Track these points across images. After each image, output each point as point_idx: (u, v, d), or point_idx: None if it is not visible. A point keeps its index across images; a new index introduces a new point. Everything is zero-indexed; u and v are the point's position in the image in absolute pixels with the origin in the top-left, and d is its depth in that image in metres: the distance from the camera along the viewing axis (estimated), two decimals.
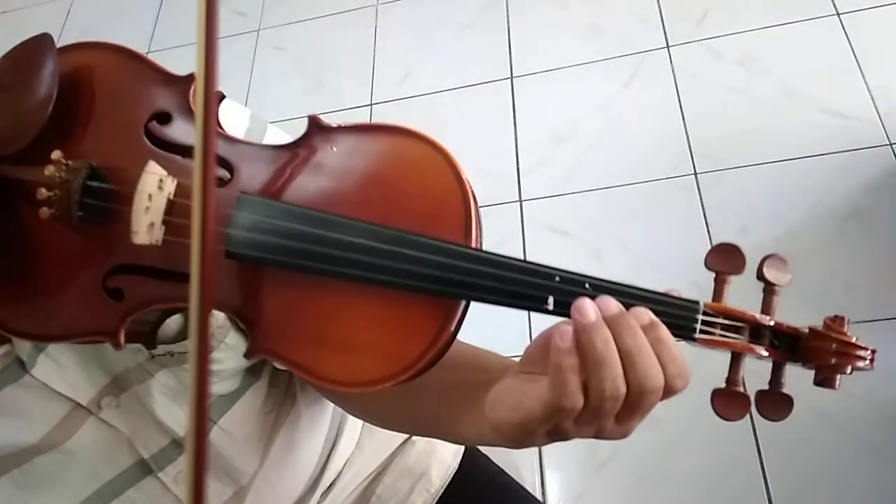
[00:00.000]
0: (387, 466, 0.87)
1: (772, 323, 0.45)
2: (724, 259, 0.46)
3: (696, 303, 0.45)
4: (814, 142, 1.76)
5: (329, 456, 0.82)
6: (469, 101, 2.10)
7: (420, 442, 0.89)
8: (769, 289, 0.46)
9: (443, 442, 0.90)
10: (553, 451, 1.55)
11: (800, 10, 1.96)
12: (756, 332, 0.46)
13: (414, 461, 0.87)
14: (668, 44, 2.03)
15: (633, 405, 0.43)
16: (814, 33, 1.92)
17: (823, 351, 0.44)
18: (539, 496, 1.49)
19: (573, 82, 2.05)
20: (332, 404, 0.83)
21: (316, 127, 0.51)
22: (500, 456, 0.96)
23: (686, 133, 1.86)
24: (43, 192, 0.48)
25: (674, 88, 1.94)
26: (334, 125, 0.51)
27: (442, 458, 0.88)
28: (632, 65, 2.02)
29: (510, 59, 2.15)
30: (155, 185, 0.49)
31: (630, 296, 0.44)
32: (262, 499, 0.74)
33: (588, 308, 0.42)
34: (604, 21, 2.13)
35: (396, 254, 0.45)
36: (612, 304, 0.42)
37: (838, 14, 1.92)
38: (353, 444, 0.86)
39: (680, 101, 1.91)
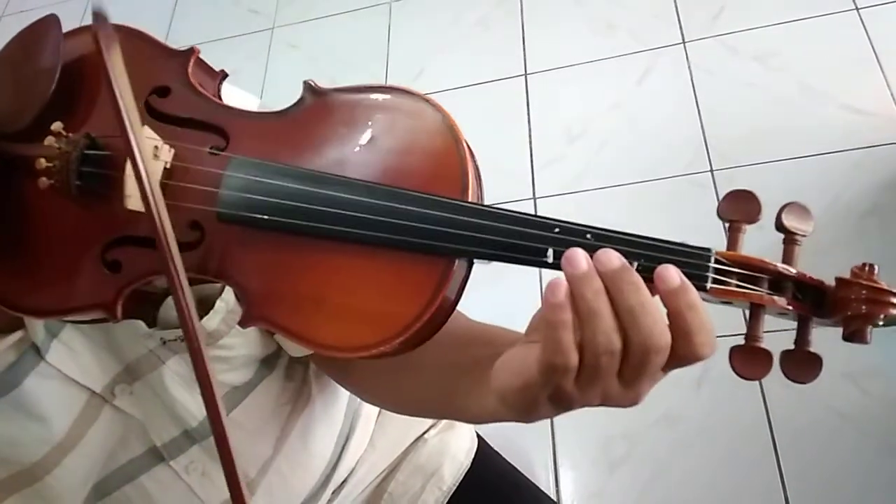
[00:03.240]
0: (399, 464, 0.87)
1: (794, 273, 0.42)
2: (738, 206, 0.44)
3: (708, 249, 0.42)
4: (831, 138, 1.74)
5: (342, 452, 0.82)
6: (483, 98, 2.10)
7: (432, 440, 0.89)
8: (790, 238, 0.43)
9: (455, 440, 0.90)
10: (567, 449, 1.55)
11: (818, 4, 1.94)
12: (777, 284, 0.43)
13: (426, 459, 0.87)
14: (683, 39, 2.01)
15: (639, 366, 0.40)
16: (832, 28, 1.90)
17: (853, 300, 0.41)
18: (553, 495, 1.49)
19: (588, 79, 2.04)
20: (345, 399, 0.83)
21: (310, 90, 0.51)
22: (513, 454, 0.95)
23: (702, 129, 1.84)
24: (42, 163, 0.49)
25: (690, 85, 1.93)
26: (329, 88, 0.51)
27: (454, 456, 0.88)
28: (647, 61, 2.01)
29: (524, 56, 2.14)
30: (149, 151, 0.49)
31: (634, 244, 0.42)
32: (274, 492, 0.75)
33: (579, 258, 0.40)
34: (618, 17, 2.12)
35: (389, 209, 0.45)
36: (612, 258, 0.40)
37: (857, 9, 1.90)
38: (366, 441, 0.86)
39: (696, 98, 1.90)
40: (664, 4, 2.09)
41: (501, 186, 1.83)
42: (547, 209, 1.85)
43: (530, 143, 1.97)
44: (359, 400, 0.84)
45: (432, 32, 2.29)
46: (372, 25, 2.36)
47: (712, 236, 1.65)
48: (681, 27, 2.04)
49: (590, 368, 0.41)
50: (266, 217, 0.47)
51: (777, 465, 1.42)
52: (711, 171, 1.78)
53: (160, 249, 0.42)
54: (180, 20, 2.60)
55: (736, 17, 1.99)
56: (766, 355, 0.42)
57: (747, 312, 0.43)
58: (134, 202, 0.49)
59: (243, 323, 0.48)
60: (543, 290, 0.41)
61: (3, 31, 2.85)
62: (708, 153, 1.81)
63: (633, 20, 2.10)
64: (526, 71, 2.11)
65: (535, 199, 1.88)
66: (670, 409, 1.49)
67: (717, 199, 1.70)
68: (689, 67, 1.96)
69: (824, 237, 1.61)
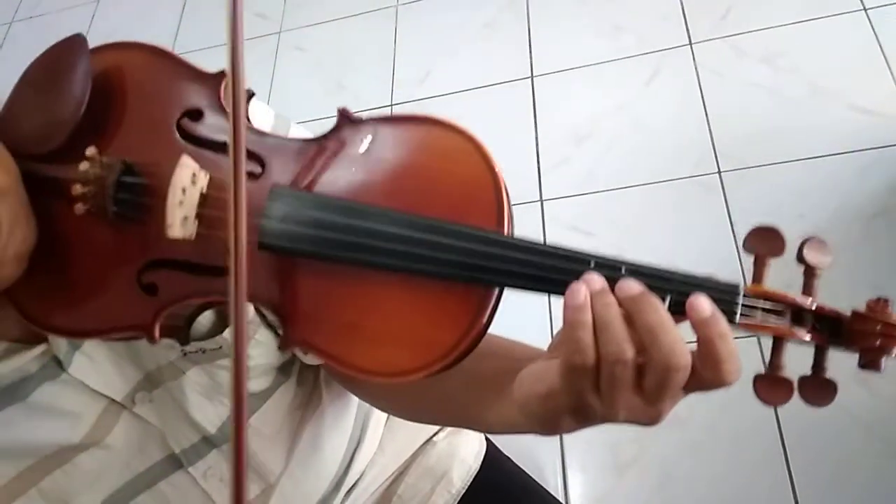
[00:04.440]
0: (408, 467, 0.87)
1: (814, 306, 0.44)
2: (764, 241, 0.45)
3: (736, 286, 0.44)
4: (840, 139, 1.73)
5: (353, 456, 0.82)
6: (490, 100, 2.10)
7: (441, 443, 0.89)
8: (810, 272, 0.45)
9: (464, 443, 0.90)
10: (576, 452, 1.54)
11: (825, 5, 1.93)
12: (798, 315, 0.45)
13: (435, 462, 0.87)
14: (690, 41, 2.01)
15: (661, 383, 0.42)
16: (840, 29, 1.89)
17: (868, 333, 0.43)
18: (561, 498, 1.49)
19: (594, 81, 2.04)
20: (356, 403, 0.83)
21: (346, 119, 0.51)
22: (522, 458, 0.95)
23: (709, 131, 1.84)
24: (78, 189, 0.49)
25: (697, 86, 1.92)
26: (364, 117, 0.51)
27: (463, 459, 0.88)
28: (654, 63, 2.01)
29: (530, 58, 2.14)
30: (188, 179, 0.49)
31: (667, 280, 0.44)
32: (287, 497, 0.75)
33: (593, 278, 0.43)
34: (625, 19, 2.11)
35: (430, 242, 0.45)
36: (632, 285, 0.43)
37: (865, 9, 1.89)
38: (376, 444, 0.86)
39: (703, 99, 1.89)
40: (671, 6, 2.09)
41: (509, 189, 1.82)
42: (554, 211, 1.85)
43: (537, 145, 1.97)
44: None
45: (439, 35, 2.30)
46: (378, 28, 2.36)
47: (719, 238, 1.64)
48: (687, 28, 2.03)
49: (606, 377, 0.42)
50: (307, 248, 0.47)
51: (786, 466, 1.41)
52: (719, 172, 1.78)
53: (231, 289, 0.42)
54: (188, 24, 2.61)
55: (743, 18, 1.99)
56: (788, 384, 0.44)
57: (765, 339, 0.45)
58: (175, 231, 0.49)
59: (283, 347, 0.49)
60: (551, 305, 0.42)
61: (12, 36, 2.87)
62: (716, 155, 1.80)
63: (640, 22, 2.09)
64: (532, 73, 2.11)
65: (542, 201, 1.88)
66: (679, 411, 1.48)
67: (725, 201, 1.71)
68: (696, 69, 1.95)
69: (833, 239, 1.60)
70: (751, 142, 1.79)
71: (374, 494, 0.86)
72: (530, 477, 0.93)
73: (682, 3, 2.08)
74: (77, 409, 0.61)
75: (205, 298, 0.51)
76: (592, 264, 0.44)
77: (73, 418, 0.61)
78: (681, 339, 0.41)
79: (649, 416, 0.44)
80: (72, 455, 0.62)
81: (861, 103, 1.76)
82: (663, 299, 0.43)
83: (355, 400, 0.83)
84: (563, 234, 1.80)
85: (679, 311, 0.42)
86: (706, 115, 1.87)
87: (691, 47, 2.00)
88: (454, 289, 0.46)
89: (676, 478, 1.47)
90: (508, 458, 0.94)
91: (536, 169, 1.93)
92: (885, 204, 1.63)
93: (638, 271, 0.44)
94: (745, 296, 0.44)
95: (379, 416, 0.87)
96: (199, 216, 0.49)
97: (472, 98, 2.12)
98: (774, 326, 0.44)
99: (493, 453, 0.92)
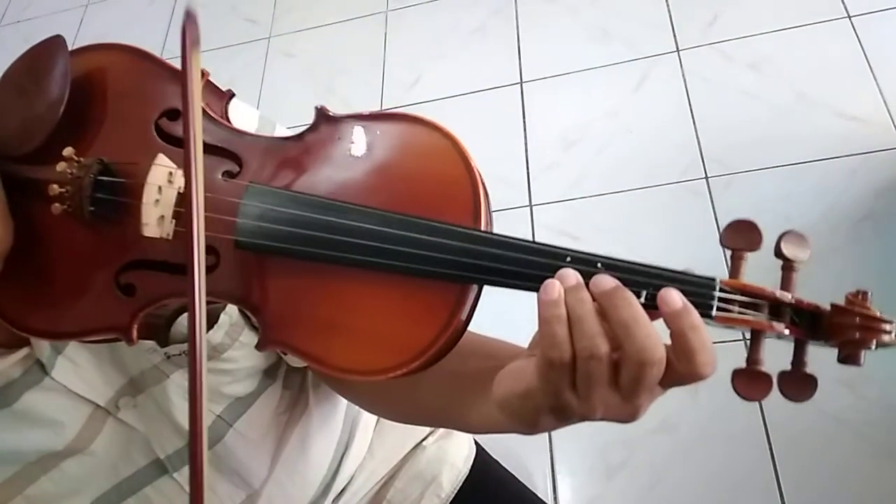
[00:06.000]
0: (398, 471, 0.87)
1: (792, 299, 0.44)
2: (741, 235, 0.45)
3: (713, 279, 0.44)
4: (826, 145, 1.75)
5: (341, 460, 0.82)
6: (479, 106, 2.11)
7: (431, 447, 0.89)
8: (788, 265, 0.45)
9: (454, 447, 0.90)
10: (565, 456, 1.55)
11: (811, 12, 1.95)
12: (776, 309, 0.44)
13: (424, 466, 0.87)
14: (678, 48, 2.02)
15: (636, 378, 0.42)
16: (825, 36, 1.91)
17: (847, 326, 0.43)
18: (551, 502, 1.49)
19: (583, 87, 2.05)
20: (343, 407, 0.83)
21: (323, 117, 0.51)
22: (511, 461, 0.95)
23: (697, 137, 1.85)
24: (55, 189, 0.49)
25: (684, 92, 1.93)
26: (341, 115, 0.51)
27: (453, 464, 0.88)
28: (642, 69, 2.02)
29: (520, 64, 2.15)
30: (164, 178, 0.49)
31: (643, 273, 0.44)
32: (273, 503, 0.75)
33: (569, 274, 0.43)
34: (613, 25, 2.13)
35: (405, 238, 0.45)
36: (607, 280, 0.43)
37: (850, 17, 1.91)
38: (365, 449, 0.86)
39: (690, 105, 1.91)
40: (659, 12, 2.10)
41: (497, 194, 1.82)
42: (543, 216, 1.86)
43: (526, 150, 1.98)
44: (357, 408, 0.84)
45: (428, 41, 2.30)
46: (368, 34, 2.37)
47: (706, 243, 1.64)
48: (675, 35, 2.05)
49: (582, 374, 0.42)
50: (284, 246, 0.47)
51: (774, 470, 1.42)
52: (706, 178, 1.79)
53: (190, 280, 0.42)
54: (178, 29, 2.60)
55: (730, 25, 2.01)
56: (767, 378, 0.44)
57: (747, 334, 0.45)
58: (151, 230, 0.49)
59: (260, 346, 0.49)
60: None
61: (1, 40, 2.85)
62: (703, 160, 1.82)
63: (629, 28, 2.11)
64: (522, 79, 2.12)
65: (531, 206, 1.88)
66: (668, 415, 1.49)
67: (713, 207, 1.72)
68: (683, 75, 1.97)
69: (820, 242, 1.61)
70: (738, 147, 1.81)
71: (363, 499, 0.86)
72: (520, 481, 0.93)
73: (669, 10, 2.09)
74: (62, 417, 0.61)
75: (183, 299, 0.51)
76: (568, 259, 0.44)
77: (57, 426, 0.61)
78: (655, 334, 0.41)
79: (627, 412, 0.44)
80: (57, 462, 0.62)
81: (846, 110, 1.78)
82: (639, 294, 0.43)
83: (343, 403, 0.82)
84: (552, 238, 1.80)
85: (655, 305, 0.42)
86: (694, 121, 1.88)
87: (679, 54, 2.01)
88: (431, 286, 0.46)
89: (665, 482, 1.47)
90: (498, 462, 0.94)
91: (525, 174, 1.94)
92: (872, 207, 1.65)
93: (614, 266, 0.44)
94: (721, 290, 0.44)
95: (368, 421, 0.87)
96: (176, 215, 0.49)
97: (462, 103, 2.12)
98: (752, 320, 0.44)
99: (482, 457, 0.92)
